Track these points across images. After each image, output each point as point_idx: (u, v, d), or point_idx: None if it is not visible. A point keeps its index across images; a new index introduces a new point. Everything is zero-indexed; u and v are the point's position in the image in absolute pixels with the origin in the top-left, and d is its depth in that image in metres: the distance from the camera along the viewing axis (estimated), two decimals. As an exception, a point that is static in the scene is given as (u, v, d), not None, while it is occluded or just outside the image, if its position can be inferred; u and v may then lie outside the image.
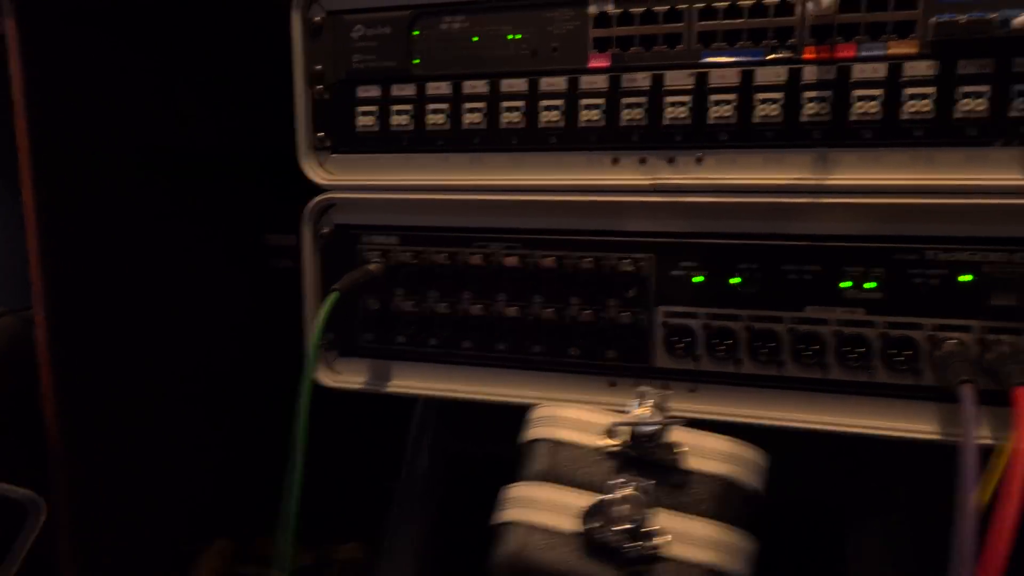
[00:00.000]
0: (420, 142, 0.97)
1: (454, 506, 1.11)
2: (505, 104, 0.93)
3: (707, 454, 0.80)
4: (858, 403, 0.85)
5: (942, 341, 0.81)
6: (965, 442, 0.70)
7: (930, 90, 0.79)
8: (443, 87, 0.96)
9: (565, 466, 0.83)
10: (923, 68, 0.79)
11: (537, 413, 0.88)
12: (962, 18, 0.77)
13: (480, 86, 0.94)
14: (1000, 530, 0.64)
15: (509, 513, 0.84)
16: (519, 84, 0.93)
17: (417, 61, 0.96)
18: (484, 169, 0.96)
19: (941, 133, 0.80)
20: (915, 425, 0.83)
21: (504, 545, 0.81)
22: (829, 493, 0.94)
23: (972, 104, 0.78)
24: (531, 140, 0.93)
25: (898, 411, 0.84)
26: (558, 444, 0.85)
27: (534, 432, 0.87)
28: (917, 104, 0.79)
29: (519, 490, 0.85)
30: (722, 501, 0.79)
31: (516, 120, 0.93)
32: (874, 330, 0.83)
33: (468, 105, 0.95)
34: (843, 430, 0.85)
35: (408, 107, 0.97)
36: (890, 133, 0.81)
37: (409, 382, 1.01)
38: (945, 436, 0.82)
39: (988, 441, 0.77)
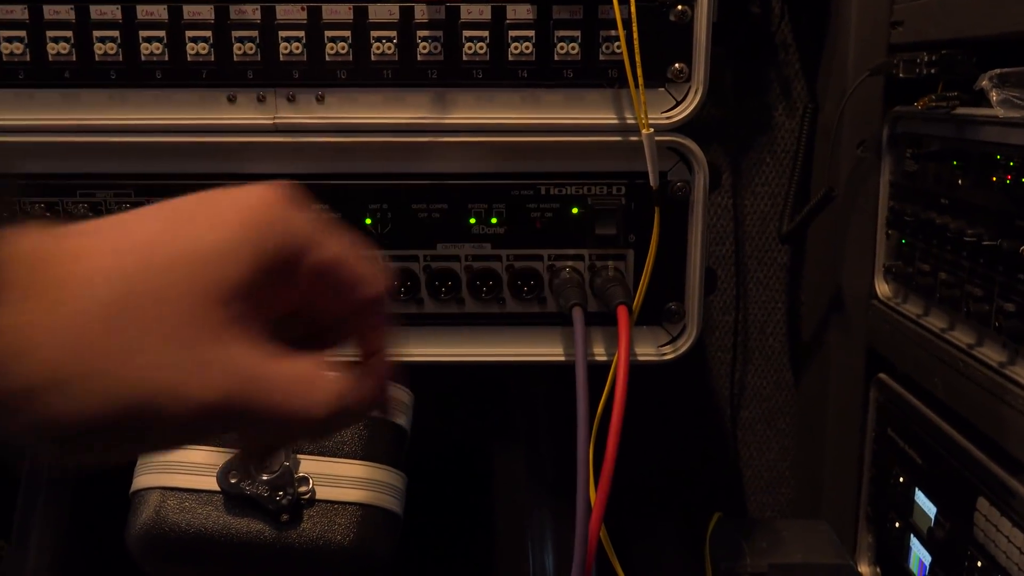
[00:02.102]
0: (-7, 76, 0.79)
1: (95, 485, 0.98)
2: (97, 33, 0.79)
3: (350, 395, 0.78)
4: (493, 333, 0.86)
5: (559, 270, 0.84)
6: (576, 358, 0.74)
7: (530, 33, 0.78)
8: (17, 10, 0.79)
9: (204, 423, 0.76)
10: (523, 12, 0.78)
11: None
12: (554, -36, 0.78)
13: (64, 11, 0.79)
14: (611, 431, 0.70)
15: (143, 479, 0.75)
16: (111, 11, 0.78)
17: (-24, -21, 0.78)
18: (80, 107, 0.80)
19: (544, 75, 0.80)
20: (544, 349, 0.86)
21: (138, 514, 0.73)
22: (477, 423, 0.97)
23: (567, 47, 0.79)
24: (133, 75, 0.79)
25: (528, 338, 0.86)
26: (194, 401, 0.77)
27: (166, 392, 0.79)
28: (520, 46, 0.79)
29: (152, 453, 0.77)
30: (368, 440, 0.77)
31: (112, 52, 0.78)
32: (501, 264, 0.84)
33: (52, 33, 0.79)
34: (482, 360, 0.86)
35: (-29, 34, 0.78)
36: (499, 74, 0.79)
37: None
38: (569, 356, 0.85)
39: (603, 358, 0.84)
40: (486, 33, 0.78)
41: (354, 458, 0.76)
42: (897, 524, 1.04)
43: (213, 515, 0.73)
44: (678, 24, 0.78)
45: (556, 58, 0.79)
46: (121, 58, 0.79)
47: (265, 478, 0.72)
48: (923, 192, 0.98)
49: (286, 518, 0.73)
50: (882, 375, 1.10)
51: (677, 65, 0.78)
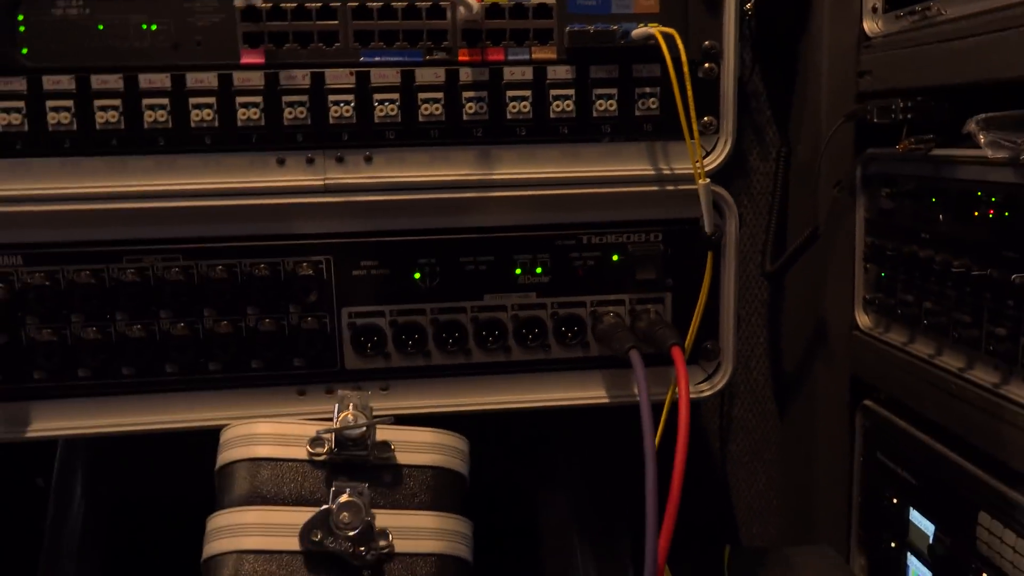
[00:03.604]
0: (39, 145, 0.80)
1: (126, 560, 0.96)
2: (147, 102, 0.81)
3: (414, 448, 0.80)
4: (539, 380, 0.90)
5: (601, 316, 0.89)
6: (640, 398, 0.77)
7: (570, 91, 0.84)
8: (64, 81, 0.80)
9: (270, 484, 0.77)
10: (563, 72, 0.84)
11: (229, 434, 0.80)
12: (591, 28, 0.84)
13: (112, 81, 0.81)
14: (677, 463, 0.75)
15: (216, 545, 0.75)
16: (161, 79, 0.81)
17: (25, 51, 0.80)
18: (127, 174, 0.81)
19: (583, 130, 0.85)
20: (588, 393, 0.91)
21: (214, 581, 0.74)
22: (519, 473, 1.00)
23: (605, 104, 0.85)
24: (182, 141, 0.81)
25: (573, 382, 0.91)
26: (258, 463, 0.78)
27: (229, 455, 0.79)
28: (561, 104, 0.84)
29: (223, 519, 0.76)
30: (436, 491, 0.79)
31: (162, 119, 0.81)
32: (546, 311, 0.89)
33: (100, 102, 0.80)
34: (530, 406, 0.90)
35: (18, 104, 0.80)
36: (541, 131, 0.85)
37: (55, 423, 0.84)
38: (613, 398, 0.90)
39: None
40: (528, 93, 0.84)
41: (425, 509, 0.78)
42: (893, 544, 1.11)
43: (294, 575, 0.74)
44: (706, 80, 0.85)
45: (595, 115, 0.85)
46: (171, 125, 0.81)
47: (350, 534, 0.74)
48: (900, 228, 1.07)
49: (368, 574, 0.75)
50: (867, 402, 1.18)
51: (706, 118, 0.86)
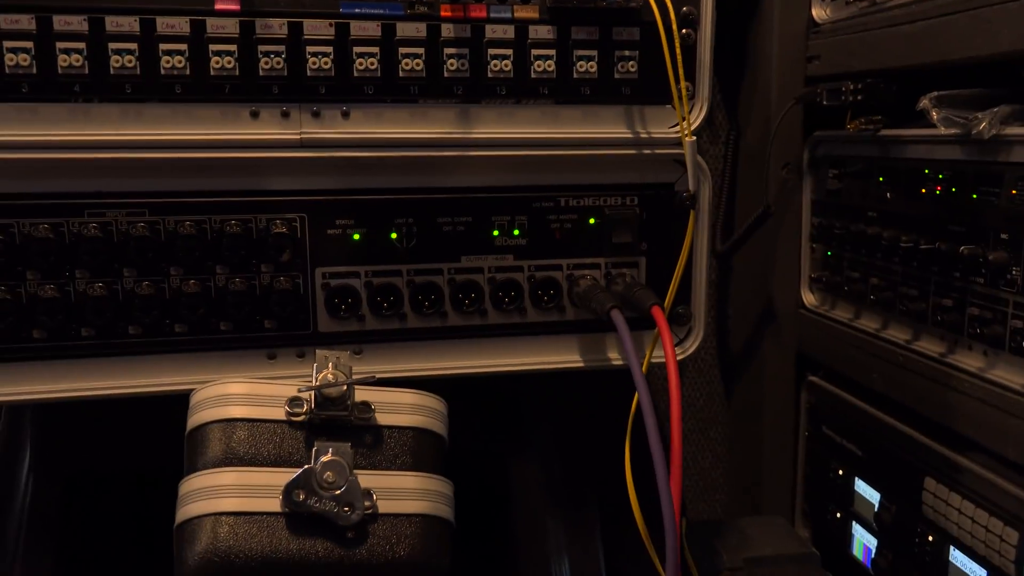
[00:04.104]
0: (-6, 89, 0.75)
1: (81, 539, 0.90)
2: (113, 46, 0.78)
3: (395, 408, 0.79)
4: (515, 343, 0.90)
5: (578, 279, 0.89)
6: (628, 356, 0.77)
7: (551, 52, 0.84)
8: (24, 20, 0.76)
9: (246, 445, 0.74)
10: (544, 32, 0.84)
11: (201, 395, 0.77)
12: (574, -12, 0.85)
13: (76, 22, 0.77)
14: (673, 417, 0.75)
15: (192, 508, 0.72)
16: (129, 23, 0.78)
17: (-18, -14, 0.75)
18: (91, 122, 0.77)
19: (563, 92, 0.85)
20: (564, 357, 0.91)
21: (194, 544, 0.71)
22: (492, 439, 0.99)
23: (585, 66, 0.85)
24: (150, 89, 0.77)
25: (548, 346, 0.90)
26: (233, 423, 0.75)
27: (201, 416, 0.76)
28: (542, 64, 0.84)
29: (198, 481, 0.73)
30: (417, 452, 0.78)
31: (130, 65, 0.78)
32: (523, 274, 0.88)
33: (62, 45, 0.77)
34: (505, 370, 0.89)
35: (-29, 44, 0.75)
36: (522, 90, 0.85)
37: (4, 388, 0.79)
38: (588, 363, 0.91)
39: (619, 362, 0.89)
40: (510, 51, 0.84)
41: (407, 469, 0.77)
42: (838, 515, 1.15)
43: (276, 536, 0.72)
44: (684, 45, 0.87)
45: (575, 76, 0.85)
46: (139, 71, 0.77)
47: (335, 493, 0.72)
48: (848, 207, 1.11)
49: (352, 535, 0.73)
50: (812, 378, 1.22)
51: (684, 83, 0.87)
